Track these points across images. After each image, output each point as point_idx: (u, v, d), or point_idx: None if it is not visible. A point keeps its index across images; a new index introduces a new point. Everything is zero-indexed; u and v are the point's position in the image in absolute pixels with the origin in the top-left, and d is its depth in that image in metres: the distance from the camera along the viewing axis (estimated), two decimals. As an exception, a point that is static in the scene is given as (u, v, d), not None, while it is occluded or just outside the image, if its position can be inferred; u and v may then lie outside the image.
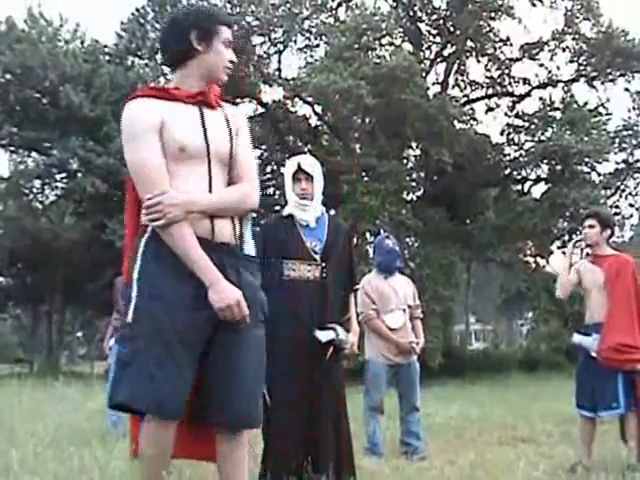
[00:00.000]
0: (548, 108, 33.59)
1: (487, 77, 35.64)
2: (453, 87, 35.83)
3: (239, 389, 3.63)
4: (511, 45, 34.49)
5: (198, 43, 3.64)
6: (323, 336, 5.39)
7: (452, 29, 33.63)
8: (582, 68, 33.50)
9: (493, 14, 32.82)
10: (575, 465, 6.68)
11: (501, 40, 34.37)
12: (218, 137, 3.71)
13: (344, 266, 5.77)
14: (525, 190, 35.44)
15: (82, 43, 37.52)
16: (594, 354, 6.83)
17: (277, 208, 32.07)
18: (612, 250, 7.35)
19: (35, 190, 39.97)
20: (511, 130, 34.64)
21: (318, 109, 33.98)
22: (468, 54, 35.11)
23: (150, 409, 3.44)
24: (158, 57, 31.17)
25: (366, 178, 30.11)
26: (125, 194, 3.78)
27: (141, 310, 3.45)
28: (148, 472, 3.47)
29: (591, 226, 7.17)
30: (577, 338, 7.11)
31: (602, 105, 33.30)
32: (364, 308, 7.94)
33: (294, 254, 5.52)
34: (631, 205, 37.02)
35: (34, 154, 37.59)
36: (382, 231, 26.91)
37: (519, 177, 34.99)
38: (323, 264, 5.53)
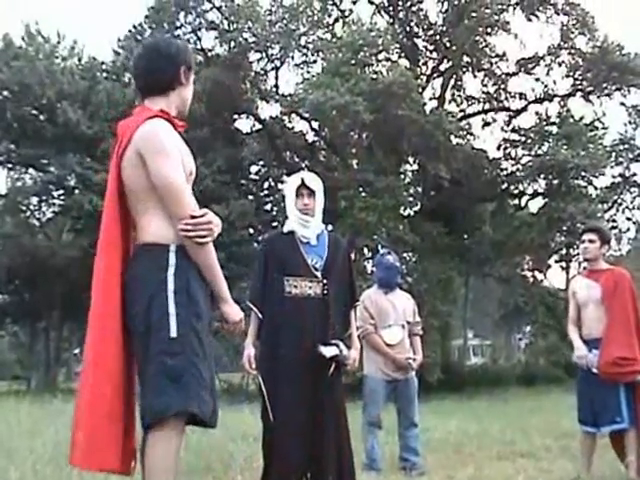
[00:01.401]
0: (544, 123, 33.65)
1: (483, 92, 35.75)
2: (450, 102, 35.90)
3: None
4: (507, 60, 34.64)
5: (183, 77, 3.94)
6: (327, 352, 5.40)
7: (448, 44, 33.73)
8: (578, 83, 33.58)
9: (489, 29, 32.95)
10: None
11: (497, 55, 34.48)
12: None
13: (344, 282, 5.79)
14: (522, 204, 35.48)
15: (79, 60, 37.62)
16: (595, 370, 6.81)
17: (275, 224, 32.16)
18: (607, 265, 7.34)
19: (32, 207, 40.01)
20: (508, 145, 34.69)
21: (315, 125, 34.09)
22: (464, 69, 35.20)
23: (205, 416, 3.62)
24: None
25: (363, 194, 30.13)
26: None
27: (185, 325, 3.59)
28: None
29: (591, 241, 7.12)
30: (578, 355, 7.06)
31: (598, 119, 33.39)
32: (362, 323, 7.91)
33: (295, 271, 5.53)
34: (628, 219, 37.20)
35: (31, 171, 37.64)
36: (380, 247, 26.94)
37: (516, 192, 35.01)
38: (324, 281, 5.54)
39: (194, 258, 3.63)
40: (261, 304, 5.63)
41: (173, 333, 3.55)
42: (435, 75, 35.73)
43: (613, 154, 34.57)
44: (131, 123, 3.79)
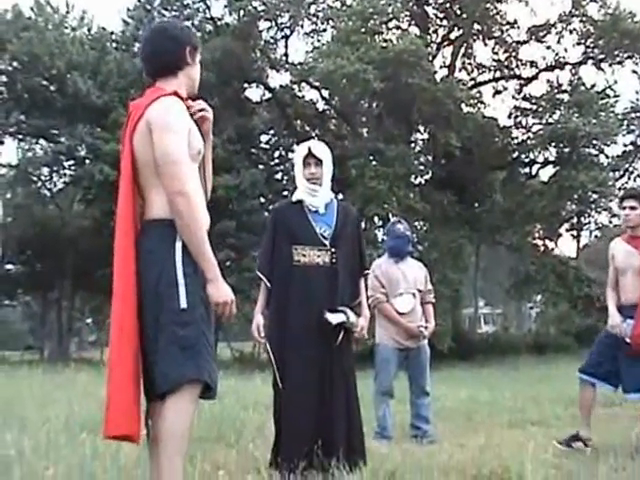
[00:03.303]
0: (556, 91, 33.57)
1: (494, 60, 35.64)
2: (460, 70, 35.87)
3: None
4: (518, 28, 34.53)
5: (189, 57, 4.05)
6: (333, 318, 5.41)
7: (459, 12, 33.56)
8: (589, 50, 33.42)
9: (500, -4, 32.79)
10: (578, 433, 6.66)
11: (508, 23, 34.33)
12: None
13: (354, 251, 5.78)
14: (533, 173, 35.49)
15: (89, 30, 37.48)
16: (628, 340, 6.63)
17: (285, 193, 32.18)
18: None
19: (43, 177, 40.11)
20: (519, 113, 34.62)
21: (325, 94, 34.06)
22: (475, 37, 35.08)
23: (215, 385, 3.75)
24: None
25: (374, 162, 30.11)
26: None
27: (194, 296, 3.70)
28: (180, 450, 3.64)
29: (633, 207, 6.86)
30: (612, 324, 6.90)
31: (610, 87, 33.25)
32: (373, 292, 7.90)
33: (304, 240, 5.54)
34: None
35: (42, 142, 37.66)
36: (392, 216, 26.94)
37: (527, 160, 34.97)
38: (333, 249, 5.54)
39: (181, 234, 3.69)
40: (269, 273, 5.65)
41: (183, 304, 3.64)
42: (445, 43, 35.64)
43: (625, 122, 34.41)
44: (144, 101, 3.89)
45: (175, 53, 4.00)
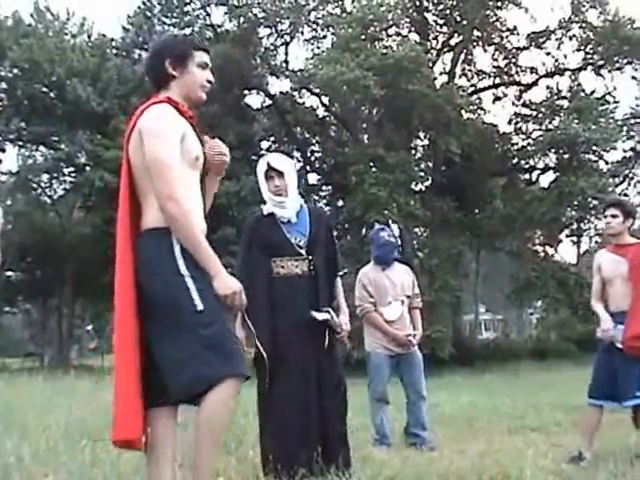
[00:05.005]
0: (555, 97, 33.62)
1: (494, 66, 35.70)
2: (460, 77, 35.90)
3: None
4: (518, 34, 34.61)
5: (173, 69, 4.02)
6: (319, 316, 5.44)
7: (459, 19, 33.62)
8: (589, 56, 33.49)
9: (499, 3, 32.87)
10: (582, 454, 6.62)
11: (508, 29, 34.41)
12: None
13: (328, 255, 5.79)
14: (533, 179, 35.55)
15: (89, 37, 37.53)
16: (619, 345, 6.64)
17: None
18: (633, 239, 7.03)
19: (43, 184, 40.11)
20: (519, 119, 34.69)
21: (325, 100, 34.11)
22: (475, 43, 35.14)
23: (245, 376, 3.75)
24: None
25: (374, 169, 30.12)
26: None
27: (207, 297, 3.71)
28: (219, 443, 3.83)
29: (614, 216, 6.85)
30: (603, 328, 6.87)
31: (609, 93, 33.30)
32: (361, 302, 7.88)
33: (280, 252, 5.55)
34: (639, 193, 37.05)
35: (42, 148, 37.68)
36: (392, 222, 26.98)
37: (527, 166, 35.05)
38: (310, 257, 5.56)
39: (176, 235, 3.72)
40: (246, 286, 5.68)
41: (199, 306, 3.67)
42: (445, 50, 35.66)
43: (624, 128, 34.44)
44: (138, 110, 3.94)
45: (157, 68, 4.05)
